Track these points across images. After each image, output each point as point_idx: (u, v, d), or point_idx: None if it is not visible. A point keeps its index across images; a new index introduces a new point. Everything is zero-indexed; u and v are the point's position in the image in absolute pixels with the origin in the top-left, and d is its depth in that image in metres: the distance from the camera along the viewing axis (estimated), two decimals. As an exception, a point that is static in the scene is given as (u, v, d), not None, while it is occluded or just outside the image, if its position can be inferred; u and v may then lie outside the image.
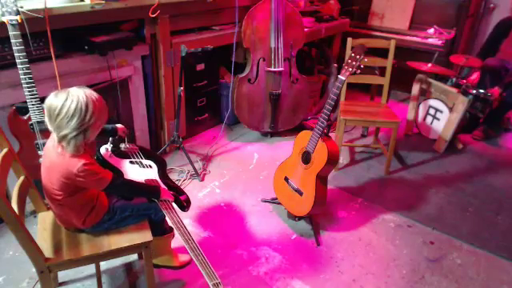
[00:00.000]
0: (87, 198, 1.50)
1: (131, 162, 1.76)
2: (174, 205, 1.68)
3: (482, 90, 3.25)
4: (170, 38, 2.71)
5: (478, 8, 4.43)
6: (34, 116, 1.91)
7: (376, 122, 2.88)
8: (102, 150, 1.73)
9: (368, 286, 1.96)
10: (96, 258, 1.53)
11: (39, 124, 1.93)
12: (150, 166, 1.78)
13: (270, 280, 1.95)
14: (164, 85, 2.81)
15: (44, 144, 1.98)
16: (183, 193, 1.82)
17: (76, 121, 1.31)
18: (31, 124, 1.95)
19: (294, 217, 2.35)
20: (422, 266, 2.10)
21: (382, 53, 2.92)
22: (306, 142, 2.10)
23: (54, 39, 2.00)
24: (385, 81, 2.94)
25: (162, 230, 1.78)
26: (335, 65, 3.90)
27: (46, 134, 1.85)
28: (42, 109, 1.83)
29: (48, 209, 1.65)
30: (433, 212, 2.55)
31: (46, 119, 1.35)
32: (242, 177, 2.82)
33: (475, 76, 3.58)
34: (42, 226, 1.58)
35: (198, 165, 2.90)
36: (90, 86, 2.28)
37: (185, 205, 1.75)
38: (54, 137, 1.39)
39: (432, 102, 3.43)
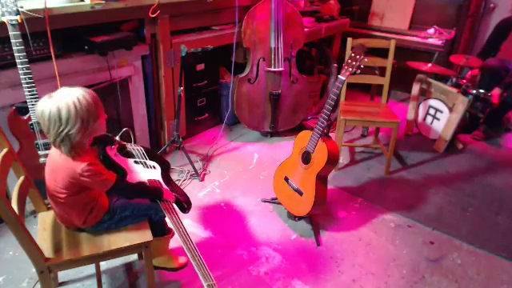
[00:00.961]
0: (89, 198, 1.50)
1: (136, 162, 1.77)
2: (175, 205, 1.68)
3: (481, 90, 3.25)
4: (170, 37, 2.71)
5: (477, 8, 4.42)
6: (33, 116, 1.91)
7: (376, 122, 2.88)
8: (108, 148, 1.74)
9: (368, 286, 1.96)
10: (96, 258, 1.53)
11: (39, 124, 1.93)
12: (154, 167, 1.79)
13: (270, 280, 1.95)
14: (164, 85, 2.81)
15: (44, 144, 1.99)
16: (184, 195, 1.83)
17: (53, 128, 1.30)
18: (31, 124, 1.95)
19: (294, 217, 2.35)
20: (422, 266, 2.10)
21: (382, 53, 2.92)
22: (306, 142, 2.10)
23: (53, 39, 2.00)
24: (385, 81, 2.94)
25: (161, 230, 1.79)
26: (335, 65, 3.90)
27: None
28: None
29: (48, 209, 1.66)
30: (433, 212, 2.55)
31: None
32: (241, 177, 2.82)
33: (470, 73, 3.56)
34: (42, 226, 1.58)
35: (198, 165, 2.90)
36: (90, 86, 2.30)
37: (185, 206, 1.75)
38: None
39: (432, 102, 3.43)
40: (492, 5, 4.38)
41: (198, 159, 2.98)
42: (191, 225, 2.29)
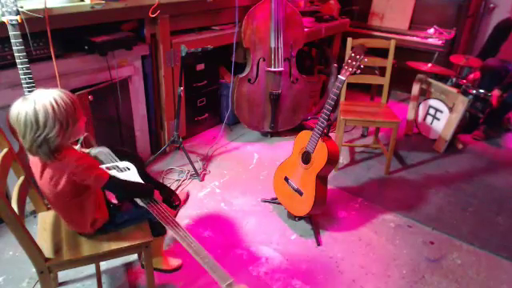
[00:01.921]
0: (93, 198, 1.47)
1: (108, 168, 1.68)
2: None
3: (481, 90, 3.25)
4: (169, 37, 2.71)
5: (477, 8, 4.43)
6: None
7: (376, 122, 2.88)
8: None
9: (368, 286, 1.96)
10: (96, 258, 1.54)
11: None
12: (128, 168, 1.70)
13: (269, 280, 1.95)
14: (164, 85, 2.81)
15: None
16: (171, 190, 1.80)
17: (30, 133, 1.21)
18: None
19: (294, 217, 2.35)
20: (422, 266, 2.10)
21: (382, 53, 2.92)
22: (306, 142, 2.10)
23: (53, 39, 2.00)
24: (385, 81, 2.94)
25: (159, 231, 1.77)
26: (335, 65, 3.90)
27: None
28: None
29: (48, 209, 1.66)
30: (433, 212, 2.55)
31: None
32: (241, 177, 2.82)
33: (472, 75, 3.56)
34: (42, 226, 1.58)
35: (198, 165, 2.90)
36: (90, 86, 2.30)
37: (175, 203, 1.73)
38: None
39: (432, 102, 3.43)
40: (492, 5, 4.39)
41: (198, 159, 2.98)
42: (191, 225, 2.29)
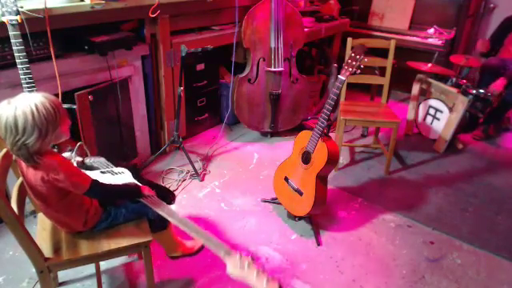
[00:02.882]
0: (80, 198, 1.47)
1: (102, 172, 1.69)
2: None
3: (481, 90, 3.25)
4: (169, 38, 2.71)
5: (477, 8, 4.43)
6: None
7: (376, 122, 2.88)
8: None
9: (368, 286, 1.95)
10: (96, 258, 1.54)
11: None
12: (123, 172, 1.71)
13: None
14: (164, 85, 2.81)
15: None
16: (165, 189, 1.81)
17: (9, 137, 1.22)
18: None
19: (294, 217, 2.35)
20: (422, 266, 2.10)
21: (382, 53, 2.92)
22: (306, 142, 2.10)
23: (53, 39, 2.00)
24: (385, 81, 2.94)
25: (161, 225, 1.77)
26: (335, 65, 3.90)
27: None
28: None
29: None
30: (433, 212, 2.54)
31: None
32: (241, 177, 2.82)
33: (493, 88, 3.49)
34: (42, 226, 1.58)
35: (198, 165, 2.90)
36: (90, 86, 2.30)
37: (170, 198, 1.74)
38: None
39: (432, 102, 3.43)
40: (492, 5, 4.39)
41: (198, 159, 2.98)
42: (191, 225, 2.29)
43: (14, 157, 1.38)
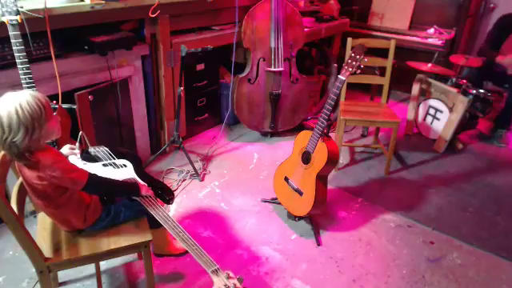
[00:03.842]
0: (79, 196, 1.48)
1: (104, 165, 1.69)
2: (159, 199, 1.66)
3: (481, 90, 3.25)
4: (169, 38, 2.71)
5: (477, 8, 4.42)
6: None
7: (376, 122, 2.88)
8: (72, 158, 1.63)
9: (368, 286, 1.95)
10: (95, 258, 1.54)
11: None
12: (125, 166, 1.70)
13: (270, 280, 1.95)
14: (164, 85, 2.81)
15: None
16: (164, 186, 1.80)
17: None
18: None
19: (293, 217, 2.35)
20: (422, 266, 2.10)
21: (382, 53, 2.92)
22: (306, 141, 2.10)
23: (53, 39, 2.00)
24: (385, 81, 2.94)
25: (158, 222, 1.78)
26: (335, 65, 3.90)
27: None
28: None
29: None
30: (433, 212, 2.54)
31: None
32: (241, 177, 2.82)
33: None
34: (42, 225, 1.58)
35: (198, 165, 2.90)
36: (90, 86, 2.30)
37: (168, 198, 1.73)
38: None
39: (432, 102, 3.43)
40: (492, 5, 4.38)
41: (198, 159, 2.98)
42: (191, 225, 2.29)
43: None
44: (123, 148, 1.96)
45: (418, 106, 3.55)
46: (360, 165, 3.07)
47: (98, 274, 1.82)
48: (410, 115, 3.60)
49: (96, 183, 1.44)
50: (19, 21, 1.71)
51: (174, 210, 2.41)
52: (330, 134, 2.21)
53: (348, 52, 2.74)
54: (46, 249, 1.46)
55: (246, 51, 3.15)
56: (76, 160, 1.63)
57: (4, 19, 1.70)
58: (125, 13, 2.34)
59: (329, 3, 4.17)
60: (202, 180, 2.74)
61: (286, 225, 2.35)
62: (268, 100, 3.24)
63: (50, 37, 1.97)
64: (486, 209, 2.61)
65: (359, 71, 1.92)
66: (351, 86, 3.04)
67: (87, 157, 1.72)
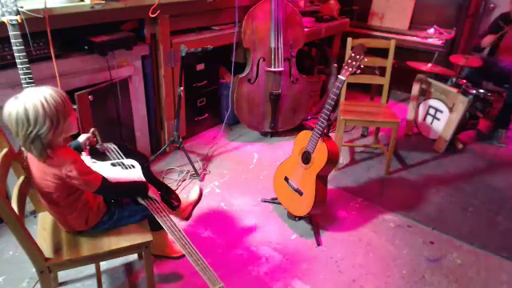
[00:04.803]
0: (85, 198, 1.49)
1: (113, 165, 1.70)
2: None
3: (481, 90, 3.25)
4: (169, 37, 2.71)
5: (477, 8, 4.42)
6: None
7: (376, 122, 2.88)
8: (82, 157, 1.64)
9: (368, 286, 1.96)
10: (96, 258, 1.54)
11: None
12: (133, 166, 1.71)
13: (270, 280, 1.95)
14: (164, 85, 2.81)
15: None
16: (171, 190, 1.80)
17: (21, 130, 1.24)
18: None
19: (293, 217, 2.35)
20: (422, 266, 2.10)
21: (382, 53, 2.92)
22: (306, 141, 2.10)
23: (53, 39, 2.00)
24: (385, 81, 2.94)
25: (160, 225, 1.78)
26: (335, 65, 3.90)
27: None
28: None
29: (48, 209, 1.66)
30: (433, 212, 2.55)
31: None
32: (241, 177, 2.82)
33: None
34: (42, 225, 1.58)
35: (198, 165, 2.90)
36: (90, 86, 2.30)
37: (175, 204, 1.73)
38: None
39: (432, 102, 3.43)
40: (492, 5, 4.38)
41: (197, 159, 2.98)
42: (191, 225, 2.29)
43: (25, 153, 1.38)
44: (129, 146, 1.96)
45: (418, 106, 3.56)
46: (360, 165, 3.07)
47: (99, 274, 1.82)
48: (410, 115, 3.60)
49: (108, 187, 1.46)
50: (19, 21, 1.71)
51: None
52: (330, 134, 2.21)
53: (348, 52, 2.74)
54: (47, 249, 1.46)
55: (246, 51, 3.15)
56: (84, 157, 1.64)
57: (4, 19, 1.69)
58: (125, 13, 2.34)
59: (329, 3, 4.17)
60: (202, 180, 2.74)
61: (286, 225, 2.35)
62: (268, 100, 3.24)
63: (50, 37, 1.97)
64: (486, 209, 2.61)
65: (359, 71, 1.92)
66: (351, 86, 3.04)
67: (96, 152, 1.73)
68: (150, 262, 1.61)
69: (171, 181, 2.70)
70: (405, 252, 2.19)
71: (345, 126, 2.79)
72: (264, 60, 3.12)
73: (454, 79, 3.48)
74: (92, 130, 1.75)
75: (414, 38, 4.19)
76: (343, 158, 3.15)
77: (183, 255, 1.98)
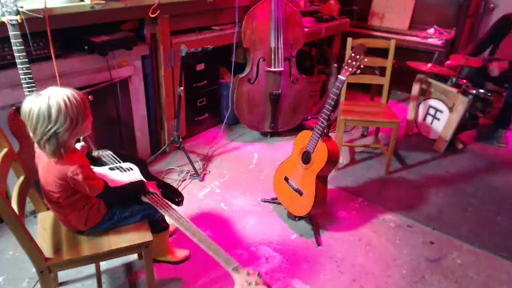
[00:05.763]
0: (87, 199, 1.49)
1: (111, 169, 1.71)
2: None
3: (481, 90, 3.25)
4: (169, 37, 2.71)
5: (478, 8, 4.43)
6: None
7: (376, 122, 2.88)
8: None
9: (368, 286, 1.96)
10: (96, 258, 1.54)
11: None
12: (131, 169, 1.72)
13: (270, 280, 1.95)
14: (164, 85, 2.81)
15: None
16: (173, 188, 1.80)
17: (41, 127, 1.26)
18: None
19: (293, 217, 2.35)
20: (422, 266, 2.10)
21: (382, 53, 2.92)
22: (306, 142, 2.10)
23: (53, 39, 2.00)
24: (385, 81, 2.94)
25: (160, 227, 1.79)
26: (335, 65, 3.90)
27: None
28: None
29: (48, 208, 1.65)
30: (433, 212, 2.55)
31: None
32: (241, 177, 2.82)
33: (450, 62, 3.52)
34: (42, 225, 1.58)
35: (198, 165, 2.90)
36: (90, 86, 2.30)
37: (178, 199, 1.74)
38: None
39: (432, 102, 3.43)
40: (492, 5, 4.39)
41: (197, 159, 2.98)
42: (191, 225, 2.29)
43: (37, 150, 1.40)
44: (124, 152, 1.97)
45: (418, 106, 3.56)
46: (360, 165, 3.07)
47: (99, 274, 1.82)
48: (410, 115, 3.60)
49: (109, 192, 1.50)
50: (19, 21, 1.71)
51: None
52: (330, 134, 2.21)
53: (348, 52, 2.74)
54: (47, 249, 1.46)
55: (246, 51, 3.15)
56: None
57: (4, 19, 1.69)
58: (125, 13, 2.34)
59: (329, 3, 4.17)
60: (202, 180, 2.74)
61: (286, 225, 2.35)
62: (268, 100, 3.24)
63: (50, 37, 1.97)
64: (486, 209, 2.61)
65: (359, 71, 1.92)
66: (351, 86, 3.04)
67: (91, 159, 1.73)
68: (150, 262, 1.61)
69: (171, 181, 2.70)
70: (405, 252, 2.19)
71: (345, 126, 2.79)
72: (264, 60, 3.12)
73: (454, 79, 3.48)
74: (82, 137, 1.75)
75: (414, 38, 4.19)
76: (343, 158, 3.15)
77: (183, 260, 1.99)
